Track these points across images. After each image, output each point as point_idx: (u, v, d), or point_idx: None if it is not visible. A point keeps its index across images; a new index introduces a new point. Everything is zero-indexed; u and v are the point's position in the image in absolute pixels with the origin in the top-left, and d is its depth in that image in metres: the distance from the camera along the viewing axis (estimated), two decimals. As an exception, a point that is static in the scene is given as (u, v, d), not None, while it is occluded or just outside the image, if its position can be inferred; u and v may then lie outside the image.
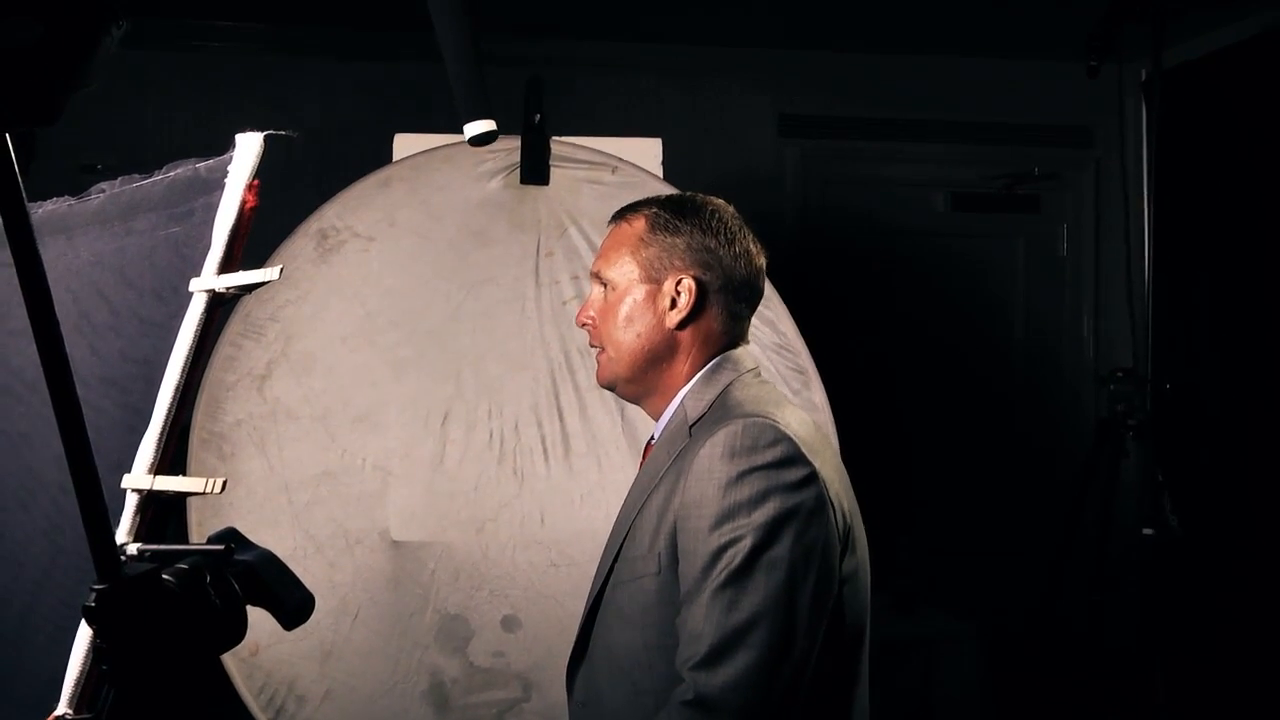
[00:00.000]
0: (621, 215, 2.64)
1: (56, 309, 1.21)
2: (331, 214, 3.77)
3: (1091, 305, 6.78)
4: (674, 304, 2.51)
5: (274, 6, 5.66)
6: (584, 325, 2.64)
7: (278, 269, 1.90)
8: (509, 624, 3.56)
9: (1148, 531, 4.14)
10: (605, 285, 2.60)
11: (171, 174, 2.14)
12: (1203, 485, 4.84)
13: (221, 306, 1.93)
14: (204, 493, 1.73)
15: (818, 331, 3.72)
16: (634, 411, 3.39)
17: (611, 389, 2.65)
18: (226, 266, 1.93)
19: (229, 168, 2.03)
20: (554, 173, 3.79)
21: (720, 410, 2.44)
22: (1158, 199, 4.37)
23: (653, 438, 2.61)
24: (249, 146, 2.02)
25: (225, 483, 1.70)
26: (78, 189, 2.19)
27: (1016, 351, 6.76)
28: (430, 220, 3.78)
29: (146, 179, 2.17)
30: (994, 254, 6.81)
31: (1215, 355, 5.66)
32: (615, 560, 2.47)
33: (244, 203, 1.98)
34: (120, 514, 1.78)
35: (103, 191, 2.22)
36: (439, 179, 3.82)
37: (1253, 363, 5.59)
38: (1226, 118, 5.78)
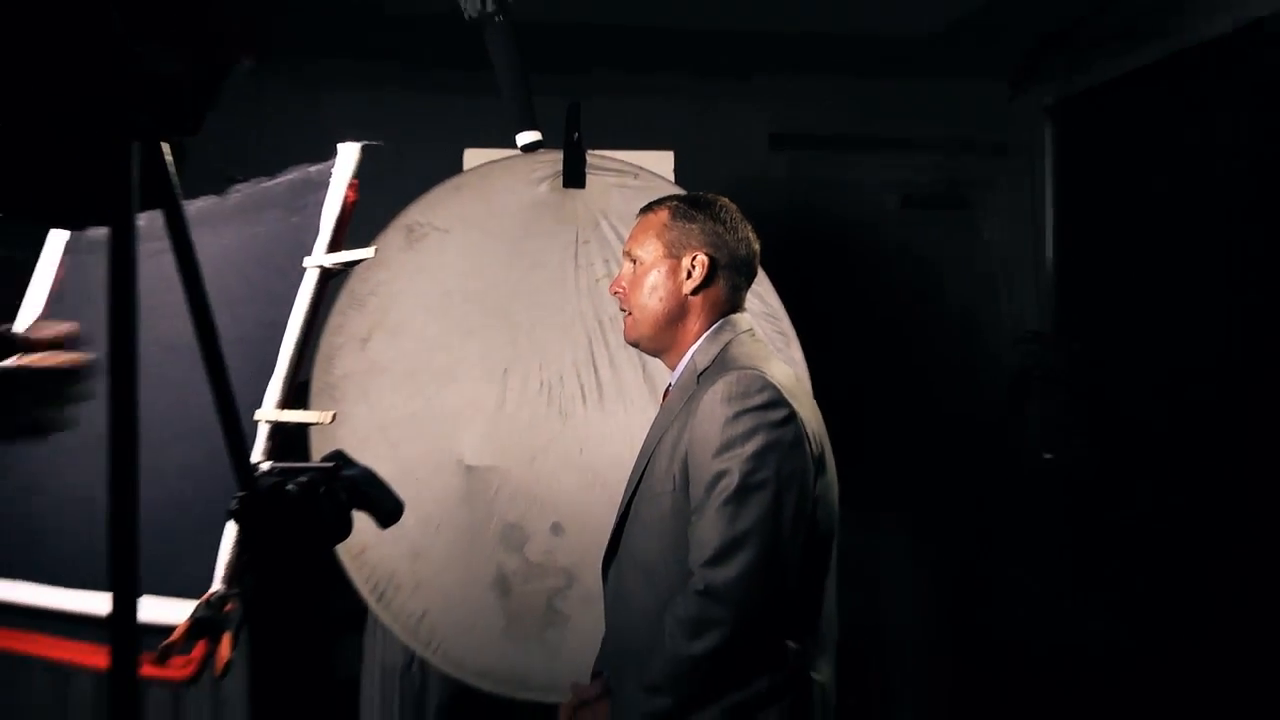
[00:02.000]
0: (649, 207, 2.71)
1: (205, 285, 1.24)
2: (416, 212, 3.80)
3: (1009, 281, 6.78)
4: (689, 275, 2.58)
5: (369, 51, 5.69)
6: (615, 293, 2.70)
7: (372, 249, 1.94)
8: (556, 530, 3.59)
9: (1048, 455, 4.16)
10: (635, 261, 2.66)
11: (290, 176, 2.17)
12: (1094, 422, 4.84)
13: (330, 280, 1.96)
14: (318, 424, 1.76)
15: (797, 302, 3.74)
16: (653, 365, 3.41)
17: (636, 345, 2.70)
18: (333, 248, 1.97)
19: (333, 170, 2.06)
20: (589, 179, 3.80)
21: (721, 363, 2.50)
22: (1061, 196, 4.38)
23: (670, 385, 2.65)
24: (349, 154, 2.06)
25: (335, 415, 1.74)
26: (220, 190, 2.23)
27: (951, 317, 6.76)
28: (493, 217, 3.81)
29: (271, 181, 2.20)
30: (934, 241, 6.82)
31: (1107, 322, 5.67)
32: (639, 481, 2.55)
33: (346, 198, 2.01)
34: (255, 441, 1.82)
35: (238, 191, 2.25)
36: (499, 184, 3.84)
37: (1136, 331, 5.59)
38: (1117, 130, 5.78)
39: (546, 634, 3.53)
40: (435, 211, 3.81)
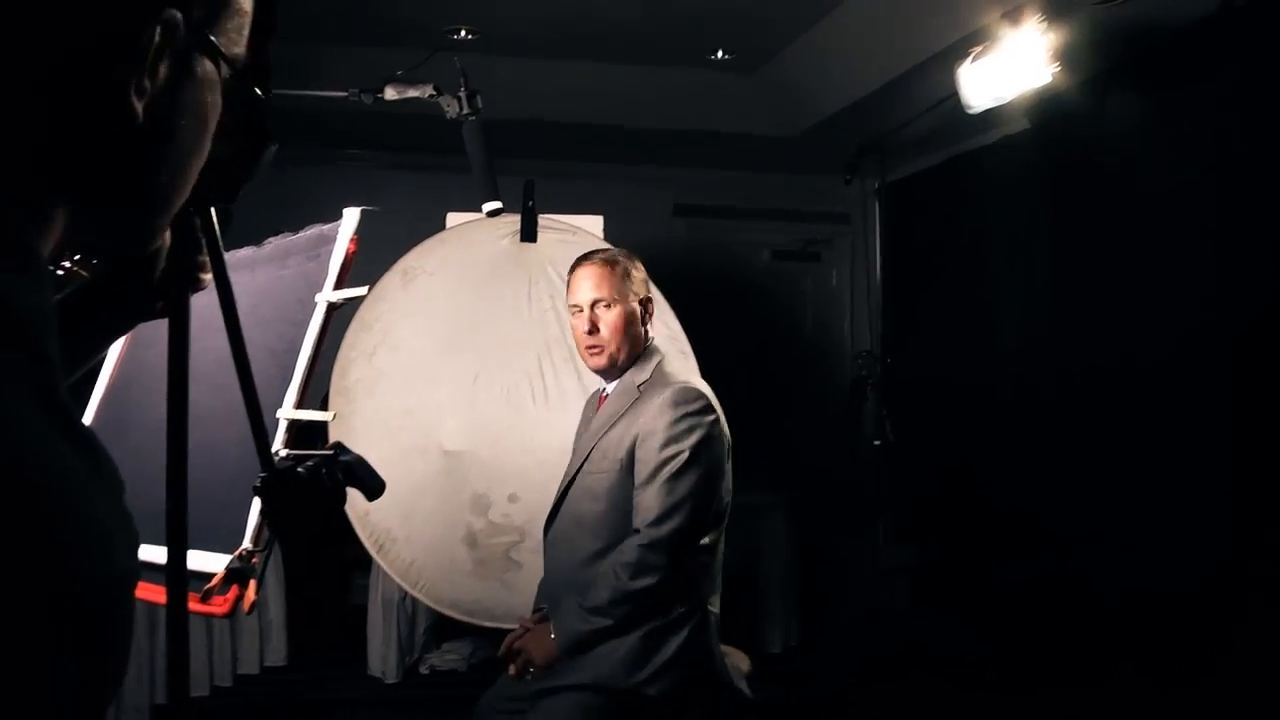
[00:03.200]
0: (600, 262, 2.56)
1: (241, 312, 1.21)
2: (410, 258, 3.76)
3: (849, 314, 6.86)
4: (644, 313, 2.56)
5: (380, 141, 5.64)
6: (591, 332, 2.53)
7: (365, 288, 1.91)
8: (512, 498, 3.55)
9: (877, 442, 4.19)
10: (605, 306, 2.53)
11: (309, 232, 2.14)
12: (907, 416, 4.90)
13: (335, 310, 1.93)
14: (325, 421, 1.72)
15: (693, 328, 3.74)
16: (585, 374, 3.38)
17: (607, 369, 2.54)
18: (338, 287, 1.94)
19: (340, 228, 2.03)
20: (540, 235, 3.78)
21: (661, 378, 2.48)
22: (884, 253, 4.45)
23: (604, 391, 2.58)
24: (351, 217, 2.03)
25: (335, 415, 1.70)
26: (258, 241, 2.21)
27: (808, 340, 6.83)
28: (467, 263, 3.77)
29: (295, 235, 2.16)
30: (796, 285, 6.89)
31: (916, 344, 5.75)
32: (585, 461, 2.49)
33: (348, 250, 1.98)
34: (275, 433, 1.78)
35: (270, 243, 2.22)
36: (473, 238, 3.80)
37: (937, 350, 5.68)
38: (920, 206, 5.88)
39: (505, 576, 3.49)
40: (424, 259, 3.77)
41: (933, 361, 5.68)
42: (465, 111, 2.72)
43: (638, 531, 2.34)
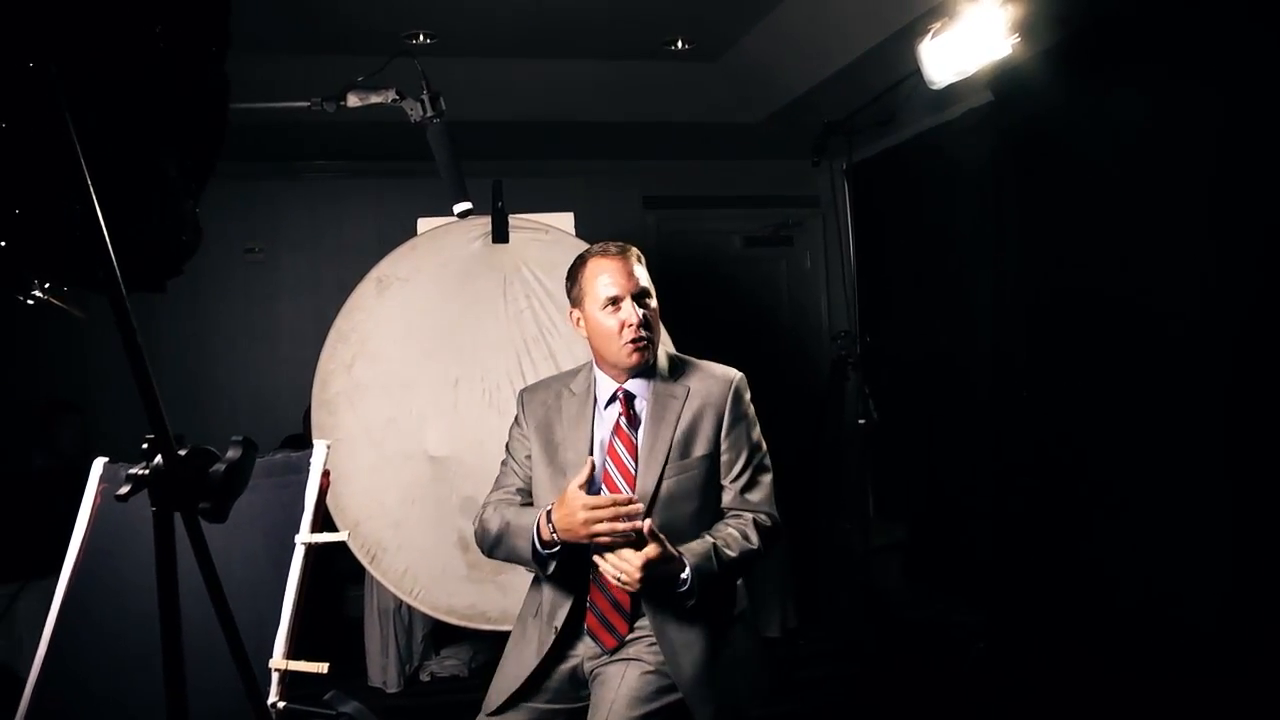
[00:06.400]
0: (631, 252, 2.35)
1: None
2: (384, 266, 3.72)
3: (825, 295, 6.87)
4: None
5: (352, 154, 5.60)
6: (643, 324, 2.29)
7: (345, 533, 1.86)
8: (501, 499, 3.53)
9: (861, 421, 4.18)
10: (649, 297, 2.35)
11: (276, 457, 2.07)
12: (889, 393, 4.91)
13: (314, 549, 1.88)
14: (320, 672, 1.58)
15: (671, 322, 3.71)
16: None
17: (642, 365, 2.32)
18: (314, 526, 1.89)
19: (311, 461, 1.98)
20: (512, 235, 3.75)
21: (690, 366, 2.39)
22: (856, 233, 4.45)
23: (627, 392, 2.34)
24: (320, 449, 1.98)
25: (329, 665, 1.57)
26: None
27: (784, 323, 6.84)
28: (441, 267, 3.73)
29: (263, 458, 2.06)
30: (770, 270, 6.89)
31: (893, 321, 5.76)
32: (665, 465, 2.24)
33: (321, 485, 1.93)
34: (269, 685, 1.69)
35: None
36: (445, 242, 3.77)
37: (913, 326, 5.68)
38: (889, 183, 5.89)
39: (499, 579, 3.46)
40: (397, 265, 3.73)
41: (912, 337, 5.69)
42: (429, 114, 2.70)
43: (760, 513, 2.30)
